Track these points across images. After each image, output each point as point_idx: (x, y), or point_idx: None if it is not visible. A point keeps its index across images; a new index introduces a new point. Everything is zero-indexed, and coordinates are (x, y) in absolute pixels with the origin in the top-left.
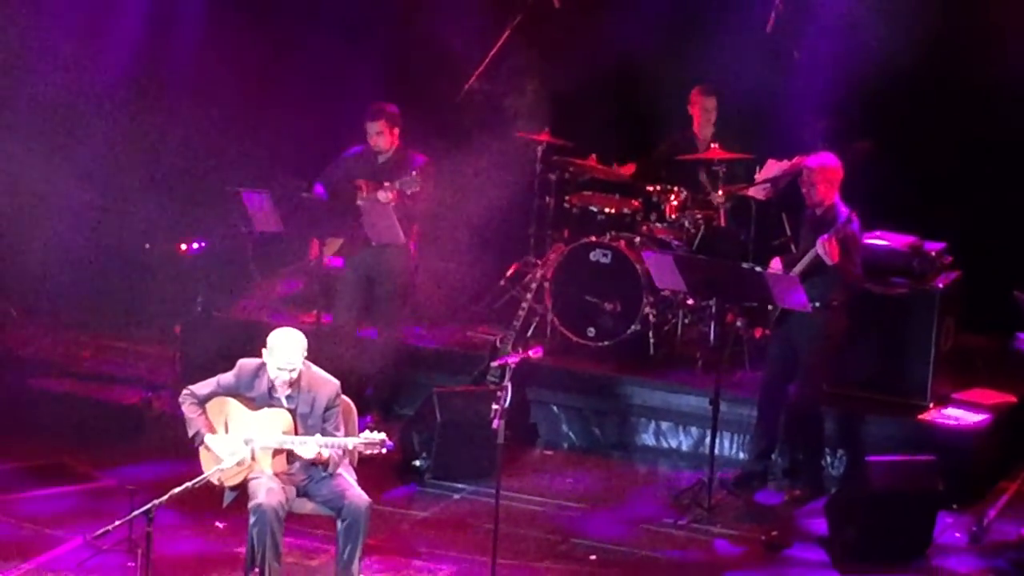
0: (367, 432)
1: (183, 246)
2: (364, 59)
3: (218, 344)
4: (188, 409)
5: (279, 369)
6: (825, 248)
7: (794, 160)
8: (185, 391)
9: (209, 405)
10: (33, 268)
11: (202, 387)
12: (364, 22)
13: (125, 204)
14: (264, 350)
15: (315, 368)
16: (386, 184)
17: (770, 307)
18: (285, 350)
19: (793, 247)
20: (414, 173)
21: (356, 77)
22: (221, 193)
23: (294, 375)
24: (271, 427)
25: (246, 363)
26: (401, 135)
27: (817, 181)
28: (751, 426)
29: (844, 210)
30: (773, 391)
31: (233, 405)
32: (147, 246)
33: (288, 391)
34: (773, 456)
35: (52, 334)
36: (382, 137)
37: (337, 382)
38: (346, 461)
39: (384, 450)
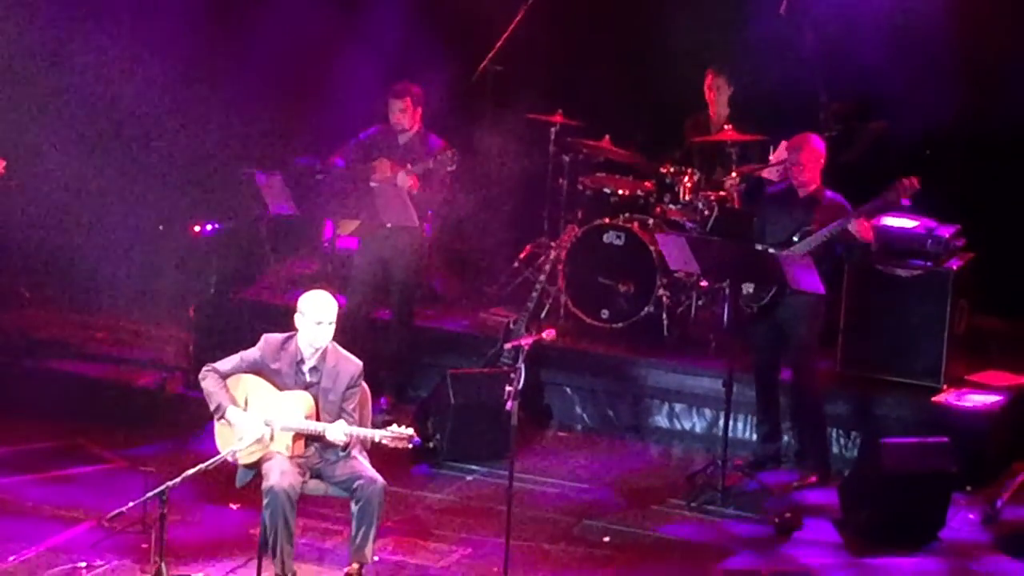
0: (395, 426)
1: (197, 228)
2: (376, 39)
3: (232, 326)
4: (209, 384)
5: (317, 324)
6: (857, 228)
7: None
8: (206, 367)
9: (231, 381)
10: (46, 250)
11: (224, 363)
12: (377, 2)
13: (139, 186)
14: (296, 315)
15: (340, 348)
16: (408, 167)
17: (745, 291)
18: (319, 305)
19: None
20: (449, 153)
21: (369, 58)
22: (234, 175)
23: (331, 328)
24: (293, 409)
25: (272, 337)
26: (422, 117)
27: (805, 161)
28: None
29: (833, 195)
30: (767, 373)
31: (255, 383)
32: (161, 228)
33: (314, 362)
34: (784, 438)
35: (66, 316)
36: (405, 115)
37: (360, 364)
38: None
39: (410, 445)
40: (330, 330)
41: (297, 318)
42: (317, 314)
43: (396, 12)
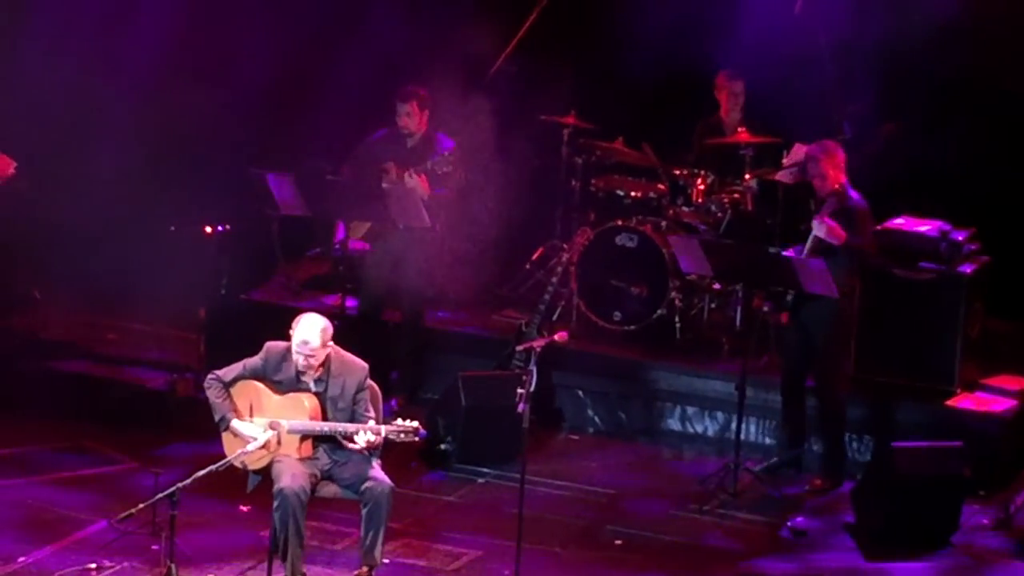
0: (400, 420)
1: (208, 229)
2: (390, 41)
3: (242, 327)
4: (213, 394)
5: (296, 352)
6: (825, 229)
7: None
8: (210, 376)
9: (235, 389)
10: (57, 251)
11: (228, 371)
12: (390, 2)
13: (150, 186)
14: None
15: (344, 352)
16: (411, 170)
17: (787, 294)
18: (301, 332)
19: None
20: (447, 153)
21: (382, 59)
22: (246, 176)
23: (313, 360)
24: (297, 412)
25: (274, 346)
26: (430, 119)
27: (827, 170)
28: (777, 412)
29: (855, 195)
30: (794, 379)
31: (259, 389)
32: (172, 229)
33: (316, 375)
34: (805, 445)
35: (76, 317)
36: (411, 119)
37: (366, 365)
38: None
39: (417, 438)
40: (313, 360)
41: (292, 339)
42: (296, 340)
43: (409, 12)
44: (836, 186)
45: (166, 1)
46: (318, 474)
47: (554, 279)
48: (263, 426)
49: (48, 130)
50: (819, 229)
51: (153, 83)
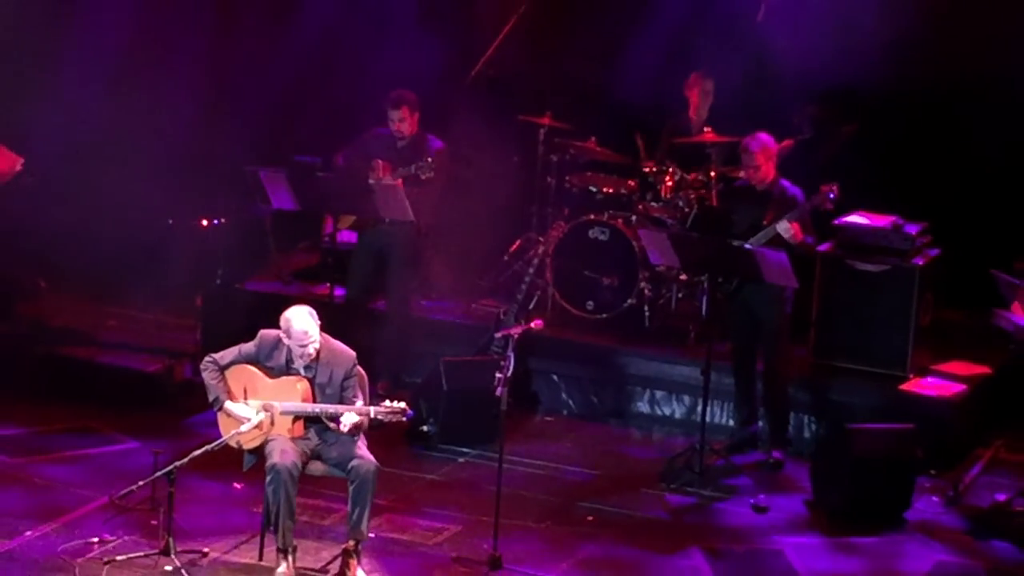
0: (388, 401)
1: (204, 222)
2: (378, 42)
3: (236, 315)
4: (208, 376)
5: (300, 347)
6: (790, 231)
7: (783, 143)
8: (207, 358)
9: (229, 372)
10: (62, 242)
11: (224, 355)
12: (378, 5)
13: (150, 182)
14: (280, 332)
15: (332, 340)
16: (399, 170)
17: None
18: (299, 328)
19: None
20: (429, 160)
21: (372, 59)
22: (240, 172)
23: (316, 346)
24: (290, 394)
25: (267, 333)
26: (420, 120)
27: (761, 162)
28: None
29: (789, 185)
30: (745, 359)
31: (253, 372)
32: (170, 222)
33: (306, 362)
34: (759, 423)
35: (79, 305)
36: (404, 124)
37: (353, 353)
38: None
39: (404, 418)
40: (316, 346)
41: (282, 335)
42: (298, 338)
43: (397, 15)
44: (770, 178)
45: (165, 4)
46: (308, 453)
47: (531, 270)
48: (257, 408)
49: (50, 127)
50: (783, 230)
51: (150, 83)
